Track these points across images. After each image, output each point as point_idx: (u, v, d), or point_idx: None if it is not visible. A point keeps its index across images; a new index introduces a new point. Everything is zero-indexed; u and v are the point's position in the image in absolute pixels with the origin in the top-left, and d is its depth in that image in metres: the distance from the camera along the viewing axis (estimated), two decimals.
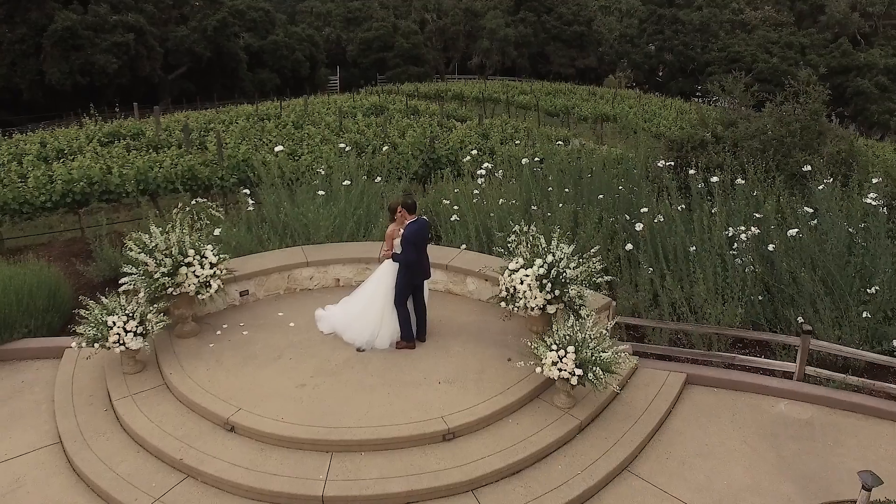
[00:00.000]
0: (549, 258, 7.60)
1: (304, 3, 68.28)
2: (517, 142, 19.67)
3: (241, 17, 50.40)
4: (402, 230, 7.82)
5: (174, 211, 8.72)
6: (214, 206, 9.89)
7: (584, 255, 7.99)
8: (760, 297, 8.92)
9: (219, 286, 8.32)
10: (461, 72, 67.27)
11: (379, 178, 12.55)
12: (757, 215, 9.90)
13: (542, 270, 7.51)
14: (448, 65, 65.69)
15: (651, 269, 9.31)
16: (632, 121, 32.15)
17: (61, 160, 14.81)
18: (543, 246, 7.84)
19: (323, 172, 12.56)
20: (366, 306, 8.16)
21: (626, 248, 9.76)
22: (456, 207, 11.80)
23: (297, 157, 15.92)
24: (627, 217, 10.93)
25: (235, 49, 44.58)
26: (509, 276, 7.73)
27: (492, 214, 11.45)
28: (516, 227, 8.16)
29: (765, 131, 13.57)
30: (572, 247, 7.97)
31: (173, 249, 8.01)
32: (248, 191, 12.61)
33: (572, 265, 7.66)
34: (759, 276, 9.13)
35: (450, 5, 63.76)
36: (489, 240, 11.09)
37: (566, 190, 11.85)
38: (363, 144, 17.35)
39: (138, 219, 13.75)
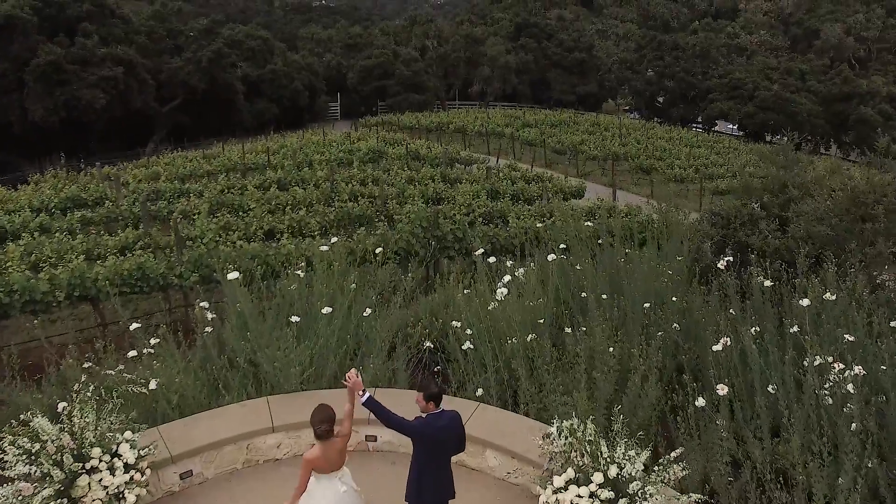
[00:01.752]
0: (613, 470, 4.96)
1: (304, 29, 65.39)
2: (530, 207, 16.69)
3: (238, 46, 47.40)
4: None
5: (75, 387, 5.80)
6: (136, 379, 6.77)
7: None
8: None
9: (138, 497, 5.59)
10: (462, 98, 64.30)
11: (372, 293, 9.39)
12: (848, 338, 6.65)
13: (607, 495, 4.75)
14: (449, 90, 62.73)
15: (721, 422, 6.15)
16: (644, 161, 29.16)
17: None
18: (604, 455, 5.12)
19: (302, 274, 9.42)
20: None
21: (696, 403, 6.57)
22: (469, 332, 8.66)
23: (276, 237, 12.87)
24: (681, 341, 7.97)
25: (232, 80, 41.54)
26: (553, 495, 5.11)
27: (514, 340, 8.31)
28: (562, 427, 5.27)
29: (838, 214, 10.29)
30: (645, 454, 5.14)
31: (65, 454, 5.23)
32: (206, 304, 9.49)
33: (648, 487, 4.78)
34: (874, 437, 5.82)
35: (450, 32, 60.87)
36: (512, 377, 8.06)
37: (603, 296, 8.79)
38: (355, 218, 14.32)
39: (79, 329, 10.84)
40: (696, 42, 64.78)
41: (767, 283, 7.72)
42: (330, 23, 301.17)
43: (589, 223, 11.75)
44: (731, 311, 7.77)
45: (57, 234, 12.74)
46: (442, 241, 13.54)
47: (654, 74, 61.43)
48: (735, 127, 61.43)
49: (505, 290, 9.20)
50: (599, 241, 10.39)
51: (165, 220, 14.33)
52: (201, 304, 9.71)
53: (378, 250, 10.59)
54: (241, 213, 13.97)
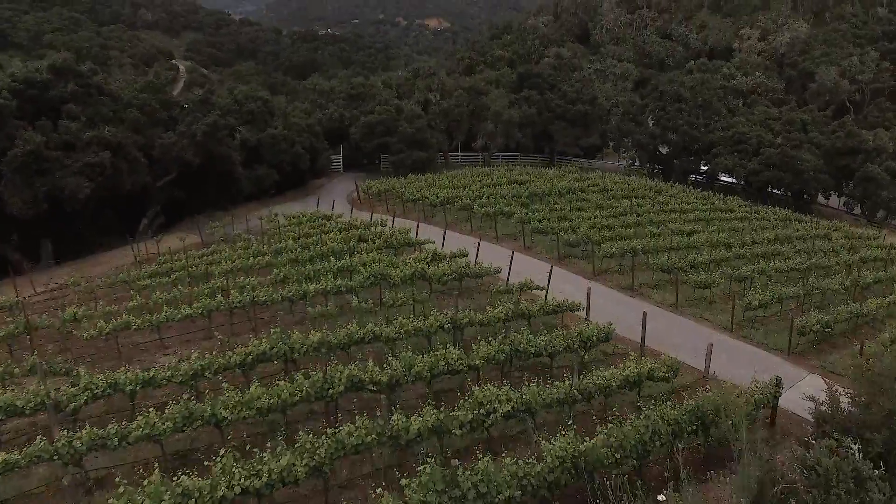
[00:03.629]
0: None
1: (307, 81, 61.80)
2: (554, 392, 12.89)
3: (238, 109, 43.73)
4: None
5: None
6: None
7: None
8: None
9: None
10: (465, 149, 60.67)
11: None
12: None
13: None
14: (451, 142, 59.09)
15: None
16: (664, 262, 25.39)
17: None
18: None
19: None
20: None
21: None
22: None
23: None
24: None
25: (228, 152, 37.74)
26: None
27: None
28: None
29: None
30: None
31: None
32: None
33: None
34: None
35: (452, 85, 57.28)
36: None
37: None
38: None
39: None
40: (698, 92, 61.12)
41: None
42: (336, 51, 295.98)
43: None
44: None
45: None
46: None
47: (657, 127, 57.79)
48: (735, 181, 57.83)
49: None
50: None
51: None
52: None
53: None
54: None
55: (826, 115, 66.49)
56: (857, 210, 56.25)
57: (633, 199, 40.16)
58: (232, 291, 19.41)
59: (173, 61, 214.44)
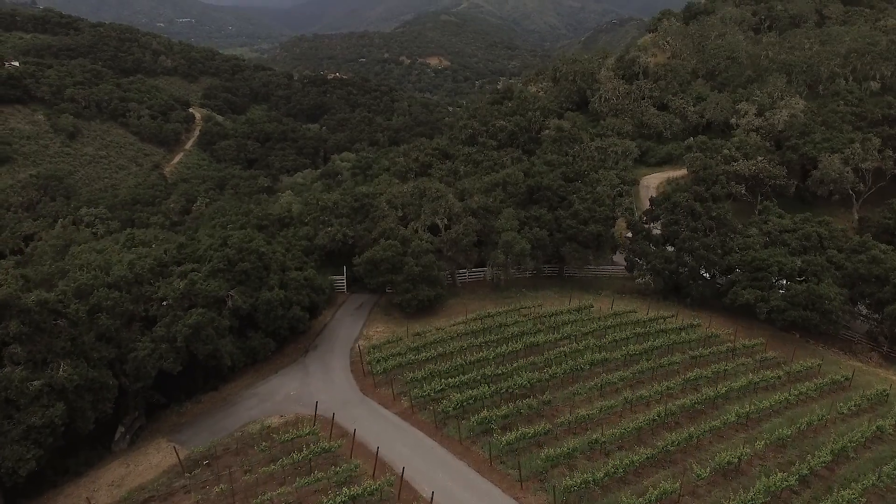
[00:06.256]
0: None
1: (309, 194, 54.96)
2: None
3: (230, 269, 36.74)
4: None
5: None
6: None
7: None
8: None
9: None
10: (476, 264, 53.59)
11: None
12: None
13: None
14: (460, 267, 52.14)
15: None
16: None
17: None
18: None
19: None
20: None
21: None
22: None
23: None
24: None
25: (216, 348, 30.73)
26: None
27: None
28: None
29: None
30: None
31: None
32: None
33: None
34: None
35: (462, 209, 50.39)
36: None
37: None
38: None
39: None
40: (711, 208, 54.28)
41: None
42: (343, 94, 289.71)
43: None
44: None
45: None
46: None
47: (672, 250, 50.92)
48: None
49: None
50: None
51: None
52: None
53: None
54: None
55: (843, 230, 59.47)
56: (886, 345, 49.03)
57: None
58: None
59: (190, 109, 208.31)
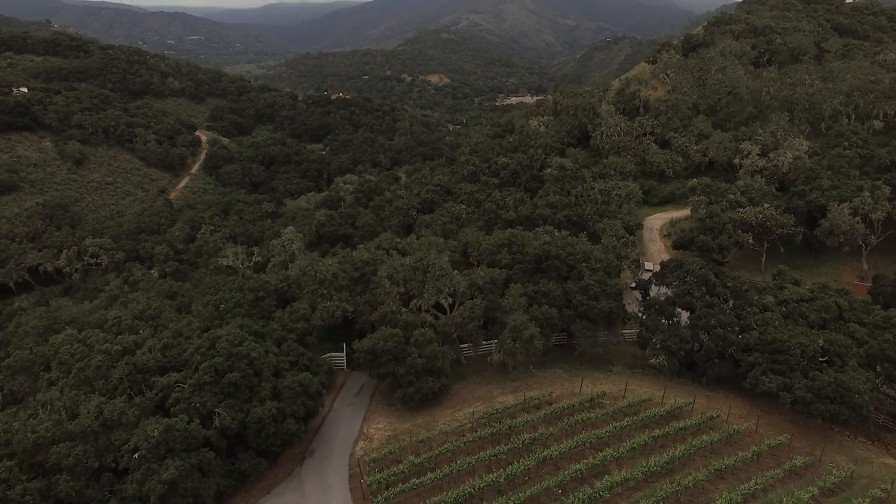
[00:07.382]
0: None
1: (309, 268, 50.86)
2: None
3: (216, 380, 32.54)
4: None
5: None
6: None
7: None
8: None
9: None
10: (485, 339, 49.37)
11: None
12: None
13: None
14: (466, 347, 47.92)
15: None
16: None
17: None
18: None
19: None
20: None
21: None
22: None
23: None
24: None
25: (196, 499, 26.46)
26: None
27: None
28: None
29: None
30: None
31: None
32: None
33: None
34: None
35: (467, 287, 46.18)
36: None
37: None
38: None
39: None
40: (727, 278, 50.11)
41: None
42: (347, 115, 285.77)
43: None
44: None
45: None
46: None
47: (687, 331, 46.72)
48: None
49: None
50: None
51: None
52: None
53: None
54: None
55: (866, 303, 55.23)
56: None
57: None
58: None
59: (196, 133, 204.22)
